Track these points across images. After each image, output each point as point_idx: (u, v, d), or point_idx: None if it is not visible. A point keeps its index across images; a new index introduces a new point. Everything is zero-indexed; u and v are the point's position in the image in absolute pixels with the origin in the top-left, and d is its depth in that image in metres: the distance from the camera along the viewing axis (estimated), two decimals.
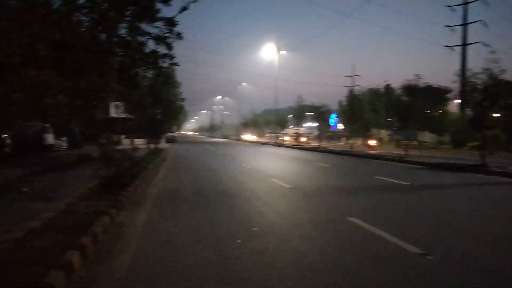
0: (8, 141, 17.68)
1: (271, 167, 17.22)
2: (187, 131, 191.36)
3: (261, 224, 6.48)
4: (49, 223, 5.72)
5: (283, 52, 50.72)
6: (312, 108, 42.77)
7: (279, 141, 51.59)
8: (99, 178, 9.13)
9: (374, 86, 47.66)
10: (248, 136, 71.12)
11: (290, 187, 10.83)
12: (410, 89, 27.33)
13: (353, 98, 38.92)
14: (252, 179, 12.60)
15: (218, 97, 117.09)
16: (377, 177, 13.95)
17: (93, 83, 17.40)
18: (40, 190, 9.83)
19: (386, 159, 22.96)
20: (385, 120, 50.85)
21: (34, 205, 7.79)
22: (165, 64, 12.59)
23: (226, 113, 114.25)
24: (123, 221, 6.62)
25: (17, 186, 10.14)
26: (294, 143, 49.93)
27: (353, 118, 36.25)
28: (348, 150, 30.09)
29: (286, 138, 56.78)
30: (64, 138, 26.37)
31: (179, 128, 70.59)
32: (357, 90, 43.49)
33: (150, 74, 17.89)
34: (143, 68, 13.53)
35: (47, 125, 23.30)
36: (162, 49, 11.81)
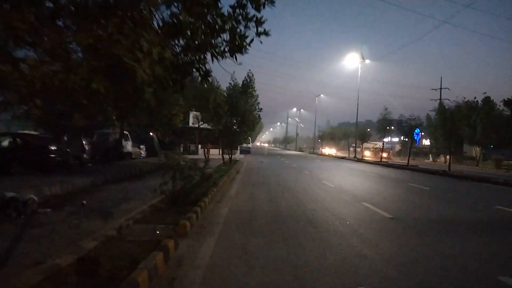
0: (87, 147, 17.76)
1: (358, 187, 14.87)
2: (261, 143, 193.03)
3: (369, 279, 4.48)
4: (83, 261, 4.36)
5: (367, 62, 47.48)
6: (396, 121, 38.92)
7: (358, 156, 48.07)
8: (163, 193, 7.84)
9: (470, 99, 42.34)
10: (327, 150, 68.07)
11: (390, 216, 8.57)
12: None
13: (445, 111, 34.40)
14: (338, 202, 10.51)
15: (294, 110, 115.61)
16: (498, 207, 11.01)
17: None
18: (101, 203, 8.91)
19: (495, 183, 19.15)
20: (482, 137, 44.71)
21: (85, 224, 6.71)
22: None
23: (301, 125, 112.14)
24: (182, 256, 5.09)
25: (80, 197, 9.36)
26: (374, 158, 46.19)
27: (445, 133, 31.90)
28: (443, 169, 26.27)
29: (366, 153, 52.92)
30: (142, 146, 26.64)
31: (253, 139, 70.28)
32: (448, 103, 38.52)
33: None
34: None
35: (126, 132, 23.55)
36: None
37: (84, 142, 17.75)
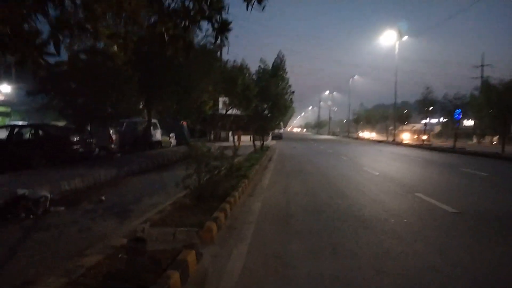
0: (114, 137, 17.17)
1: (405, 174, 13.33)
2: (292, 128, 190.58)
3: None
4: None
5: (405, 39, 44.35)
6: (439, 102, 36.18)
7: (398, 140, 45.40)
8: (187, 188, 6.85)
9: None
10: (366, 134, 64.27)
11: (455, 211, 7.18)
12: None
13: (490, 89, 31.36)
14: (387, 194, 9.17)
15: (327, 92, 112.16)
16: None
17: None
18: (121, 198, 8.09)
19: None
20: None
21: (98, 226, 5.87)
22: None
23: (334, 108, 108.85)
24: (205, 271, 4.06)
25: (100, 192, 8.60)
26: (414, 141, 43.56)
27: (494, 112, 29.14)
28: (494, 151, 23.96)
29: (405, 135, 50.07)
30: (172, 135, 26.03)
31: (285, 124, 68.59)
32: (493, 80, 35.19)
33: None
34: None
35: (155, 121, 22.93)
36: None
37: (111, 131, 17.15)
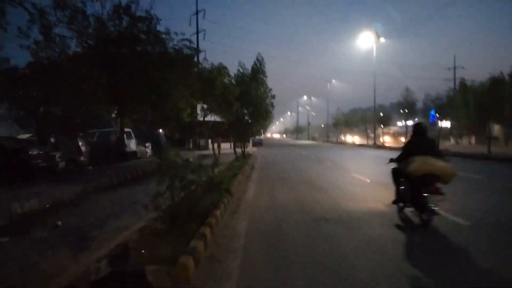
0: (84, 149, 15.75)
1: None
2: (271, 134, 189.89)
3: None
4: None
5: (382, 41, 44.21)
6: (418, 103, 36.29)
7: (378, 143, 45.13)
8: (158, 210, 5.71)
9: (496, 74, 39.07)
10: (349, 138, 63.41)
11: (467, 223, 6.33)
12: None
13: (466, 89, 31.51)
14: (386, 204, 8.27)
15: (304, 98, 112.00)
16: None
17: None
18: (82, 222, 6.89)
19: None
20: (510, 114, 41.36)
21: (44, 262, 4.71)
22: None
23: (312, 113, 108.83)
24: None
25: (58, 214, 7.37)
26: (396, 144, 43.34)
27: (467, 112, 29.22)
28: (480, 152, 23.73)
29: (386, 138, 49.90)
30: (148, 144, 24.65)
31: (264, 130, 67.65)
32: (468, 81, 35.53)
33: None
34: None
35: (130, 130, 21.55)
36: None
37: (80, 143, 15.72)
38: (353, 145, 51.05)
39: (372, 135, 48.46)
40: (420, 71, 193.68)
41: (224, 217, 7.03)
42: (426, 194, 5.88)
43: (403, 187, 6.83)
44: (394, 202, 7.15)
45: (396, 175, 7.01)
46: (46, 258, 4.87)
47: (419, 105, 34.02)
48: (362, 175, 13.61)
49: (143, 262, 4.24)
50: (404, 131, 50.71)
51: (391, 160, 7.23)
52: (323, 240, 5.52)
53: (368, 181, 12.23)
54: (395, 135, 50.84)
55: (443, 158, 6.36)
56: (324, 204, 8.35)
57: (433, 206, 5.82)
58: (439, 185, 5.99)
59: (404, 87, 43.14)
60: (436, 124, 49.28)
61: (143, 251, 4.51)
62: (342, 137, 65.60)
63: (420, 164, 6.01)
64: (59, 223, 6.60)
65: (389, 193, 9.63)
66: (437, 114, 40.00)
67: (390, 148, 36.76)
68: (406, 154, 6.53)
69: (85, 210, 8.01)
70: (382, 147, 40.29)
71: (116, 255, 3.88)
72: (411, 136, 6.98)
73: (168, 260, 4.23)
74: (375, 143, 44.80)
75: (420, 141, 6.54)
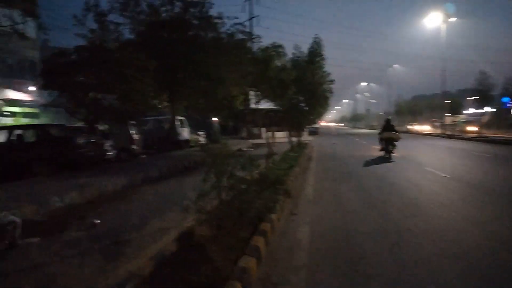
0: (137, 137, 15.43)
1: (488, 178, 10.27)
2: (327, 122, 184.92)
3: None
4: None
5: (452, 20, 39.98)
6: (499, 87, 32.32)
7: (455, 132, 40.25)
8: (201, 212, 4.72)
9: None
10: (417, 127, 58.10)
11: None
12: None
13: None
14: (480, 207, 6.63)
15: (363, 84, 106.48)
16: None
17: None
18: (121, 221, 6.12)
19: None
20: None
21: (67, 274, 3.85)
22: None
23: (372, 101, 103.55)
24: None
25: (99, 210, 6.73)
26: (463, 134, 38.47)
27: None
28: None
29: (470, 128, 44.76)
30: (201, 133, 24.21)
31: (320, 118, 65.26)
32: None
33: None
34: None
35: (183, 118, 21.15)
36: None
37: (132, 131, 15.41)
38: (420, 134, 47.01)
39: (437, 123, 44.19)
40: (496, 54, 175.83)
41: (281, 220, 5.91)
42: (389, 145, 14.94)
43: (382, 144, 15.54)
44: (381, 150, 15.62)
45: (380, 139, 15.74)
46: (69, 268, 4.08)
47: (497, 91, 30.07)
48: (437, 169, 11.74)
49: (176, 285, 3.26)
50: (477, 118, 45.82)
51: (379, 134, 16.08)
52: (410, 258, 4.19)
53: (446, 175, 10.38)
54: (466, 124, 45.89)
55: (397, 132, 15.51)
56: (400, 204, 6.92)
57: (391, 151, 15.03)
58: (394, 142, 15.03)
59: (477, 72, 38.73)
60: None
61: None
62: (408, 126, 60.37)
63: (387, 134, 15.30)
64: (97, 221, 5.89)
65: (478, 193, 7.76)
66: None
67: (464, 138, 32.79)
68: (382, 130, 15.76)
69: (127, 206, 7.31)
70: (453, 136, 35.98)
71: None
72: (384, 124, 16.25)
73: (210, 283, 3.22)
74: (445, 132, 40.61)
75: (388, 126, 15.67)
